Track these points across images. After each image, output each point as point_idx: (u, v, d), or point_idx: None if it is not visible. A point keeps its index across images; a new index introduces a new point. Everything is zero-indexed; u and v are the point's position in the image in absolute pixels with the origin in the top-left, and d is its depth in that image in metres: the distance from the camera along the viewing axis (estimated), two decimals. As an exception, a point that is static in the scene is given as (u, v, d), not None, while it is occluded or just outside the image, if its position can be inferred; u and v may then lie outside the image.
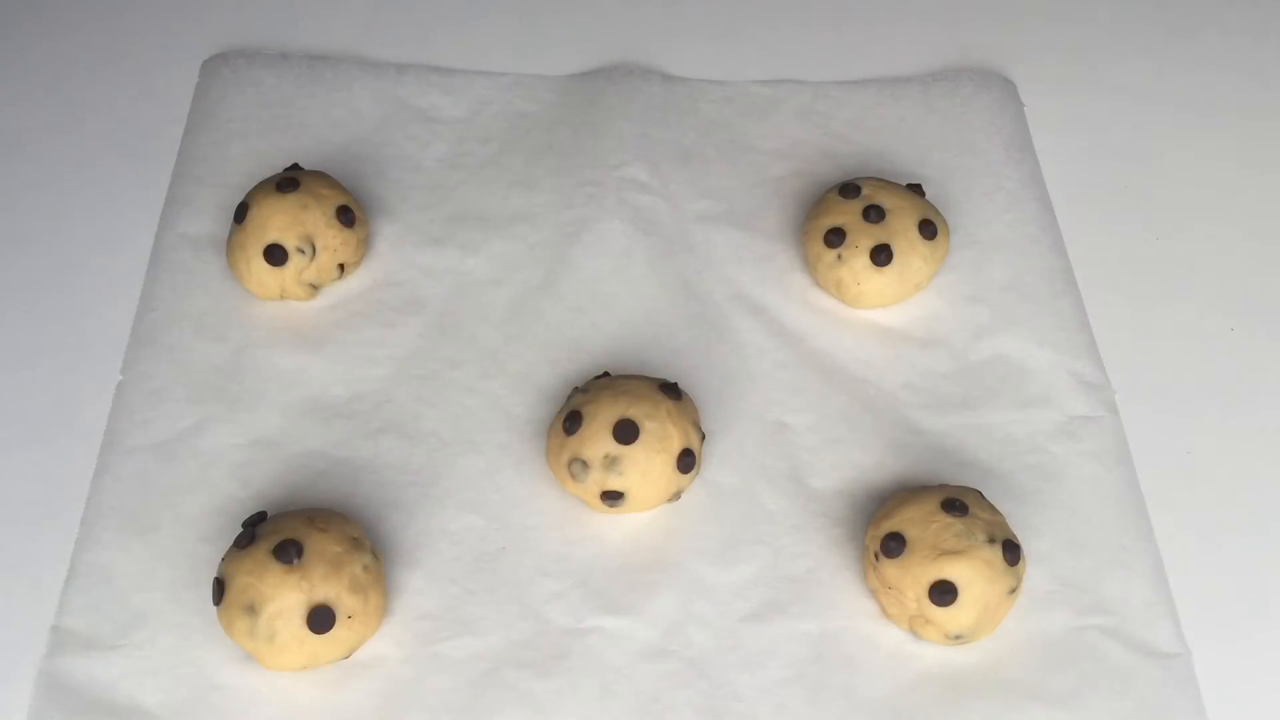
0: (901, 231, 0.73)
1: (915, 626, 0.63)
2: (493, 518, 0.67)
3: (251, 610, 0.59)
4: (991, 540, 0.62)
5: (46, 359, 0.72)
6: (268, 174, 0.78)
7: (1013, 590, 0.62)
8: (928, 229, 0.73)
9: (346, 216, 0.73)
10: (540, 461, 0.68)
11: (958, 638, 0.62)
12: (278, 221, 0.72)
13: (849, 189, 0.75)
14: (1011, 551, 0.62)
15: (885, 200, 0.74)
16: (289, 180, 0.73)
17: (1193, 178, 0.82)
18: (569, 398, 0.68)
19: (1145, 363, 0.73)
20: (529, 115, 0.83)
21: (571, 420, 0.66)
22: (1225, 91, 0.87)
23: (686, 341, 0.73)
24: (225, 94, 0.83)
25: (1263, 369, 0.74)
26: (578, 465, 0.65)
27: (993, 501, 0.65)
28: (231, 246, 0.73)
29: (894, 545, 0.62)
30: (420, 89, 0.84)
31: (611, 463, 0.64)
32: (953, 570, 0.61)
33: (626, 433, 0.64)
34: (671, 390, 0.67)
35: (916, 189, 0.75)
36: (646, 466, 0.65)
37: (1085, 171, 0.82)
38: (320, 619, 0.60)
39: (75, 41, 0.86)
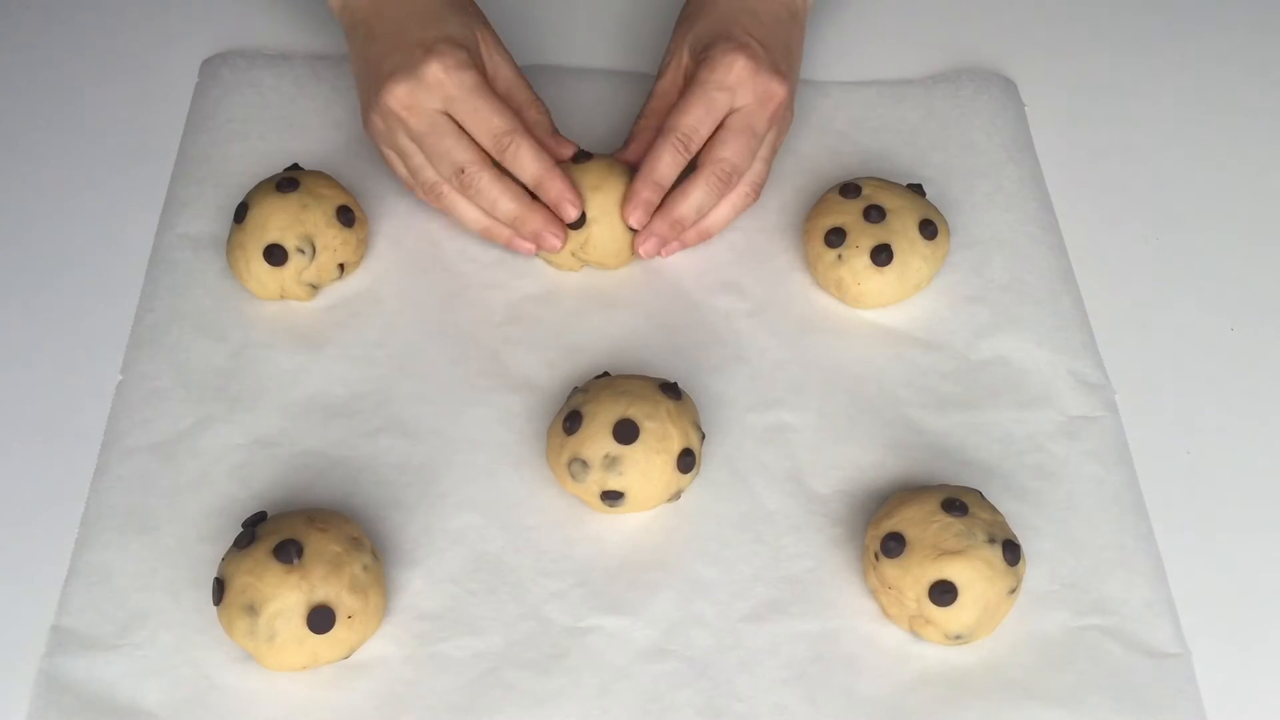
0: (902, 231, 0.73)
1: (915, 626, 0.62)
2: (493, 517, 0.67)
3: (251, 610, 0.59)
4: (991, 540, 0.61)
5: (46, 359, 0.71)
6: (268, 174, 0.78)
7: (1013, 590, 0.62)
8: (928, 229, 0.73)
9: (346, 216, 0.73)
10: (540, 461, 0.68)
11: (958, 638, 0.62)
12: (278, 221, 0.72)
13: (849, 189, 0.75)
14: (1011, 551, 0.62)
15: (886, 200, 0.74)
16: (289, 180, 0.73)
17: (1193, 178, 0.82)
18: (569, 398, 0.68)
19: (1145, 363, 0.73)
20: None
21: (571, 420, 0.66)
22: (1225, 91, 0.87)
23: (686, 341, 0.73)
24: (225, 94, 0.83)
25: (1263, 369, 0.74)
26: (578, 465, 0.65)
27: (993, 501, 0.65)
28: (231, 246, 0.73)
29: (894, 545, 0.62)
30: None
31: (611, 463, 0.64)
32: (953, 570, 0.61)
33: (626, 433, 0.64)
34: (671, 390, 0.67)
35: (917, 189, 0.75)
36: (646, 466, 0.65)
37: (1085, 171, 0.82)
38: (320, 619, 0.59)
39: (75, 42, 0.86)
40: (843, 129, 0.83)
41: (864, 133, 0.83)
